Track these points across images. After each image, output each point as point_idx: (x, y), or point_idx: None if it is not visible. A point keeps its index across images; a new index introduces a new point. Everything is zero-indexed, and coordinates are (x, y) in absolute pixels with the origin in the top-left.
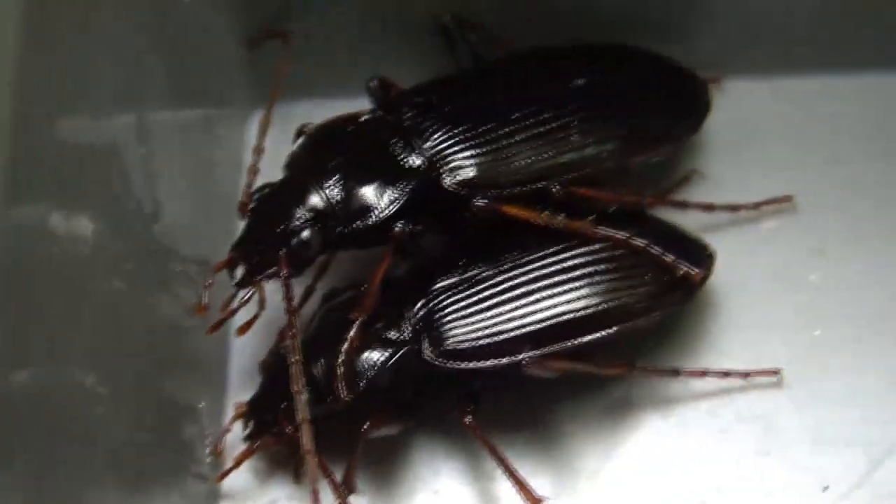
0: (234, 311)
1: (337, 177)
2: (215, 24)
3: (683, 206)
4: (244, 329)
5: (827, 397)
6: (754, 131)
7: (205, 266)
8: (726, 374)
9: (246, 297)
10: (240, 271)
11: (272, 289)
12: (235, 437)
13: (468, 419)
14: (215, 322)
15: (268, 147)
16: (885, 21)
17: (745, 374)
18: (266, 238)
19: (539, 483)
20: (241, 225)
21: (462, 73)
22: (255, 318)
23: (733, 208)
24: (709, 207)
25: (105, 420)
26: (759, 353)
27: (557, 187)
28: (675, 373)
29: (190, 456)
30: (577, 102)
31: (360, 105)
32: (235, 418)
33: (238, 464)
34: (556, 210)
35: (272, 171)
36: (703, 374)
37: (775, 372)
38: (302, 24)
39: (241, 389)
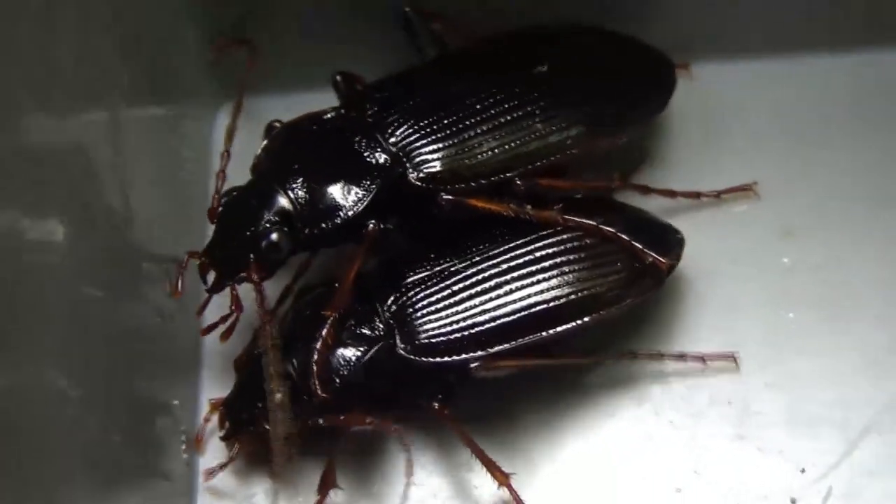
0: (225, 319)
1: (302, 177)
2: (180, 22)
3: (646, 191)
4: (226, 335)
5: (801, 379)
6: (719, 115)
7: (176, 265)
8: (682, 356)
9: (228, 308)
10: (211, 277)
11: (246, 286)
12: (211, 431)
13: (436, 405)
14: (205, 328)
15: (237, 142)
16: (849, 3)
17: (701, 358)
18: (234, 242)
19: (512, 470)
20: (210, 228)
21: (424, 65)
22: (234, 322)
23: (695, 195)
24: (671, 194)
25: (76, 421)
26: (733, 337)
27: (519, 182)
28: (632, 356)
29: (165, 455)
30: (540, 89)
31: (329, 98)
32: (211, 412)
33: (224, 466)
34: (523, 200)
35: (243, 166)
36: (661, 356)
37: (732, 356)
38: (267, 19)
39: (215, 387)
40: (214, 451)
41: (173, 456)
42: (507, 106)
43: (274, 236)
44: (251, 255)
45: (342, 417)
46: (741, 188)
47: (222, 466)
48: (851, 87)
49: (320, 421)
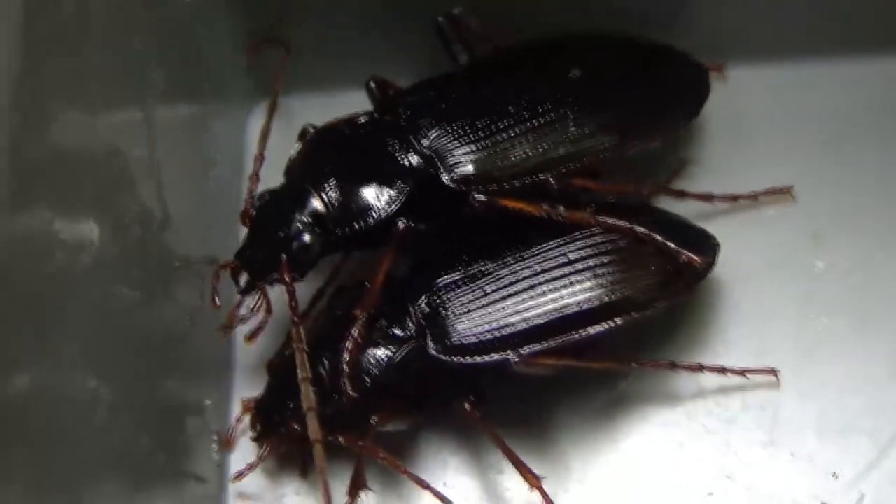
0: (246, 319)
1: (335, 179)
2: (215, 23)
3: (682, 195)
4: (252, 337)
5: (833, 385)
6: (753, 119)
7: (209, 266)
8: (723, 370)
9: (254, 306)
10: (243, 278)
11: (280, 289)
12: (242, 431)
13: (468, 406)
14: (225, 327)
15: (270, 143)
16: (883, 7)
17: (742, 372)
18: (267, 244)
19: (544, 474)
20: (244, 230)
21: (457, 70)
22: (263, 325)
23: (732, 198)
24: (707, 197)
25: (107, 423)
26: (764, 342)
27: (554, 181)
28: (672, 366)
29: (196, 456)
30: (573, 94)
31: (360, 99)
32: (244, 412)
33: (253, 467)
34: (556, 202)
35: (275, 169)
36: (700, 368)
37: (773, 371)
38: (302, 21)
39: (247, 387)
40: (245, 452)
41: (204, 457)
42: (539, 109)
43: (306, 238)
44: (283, 257)
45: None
46: (778, 190)
47: (251, 467)
48: (884, 91)
49: (340, 439)
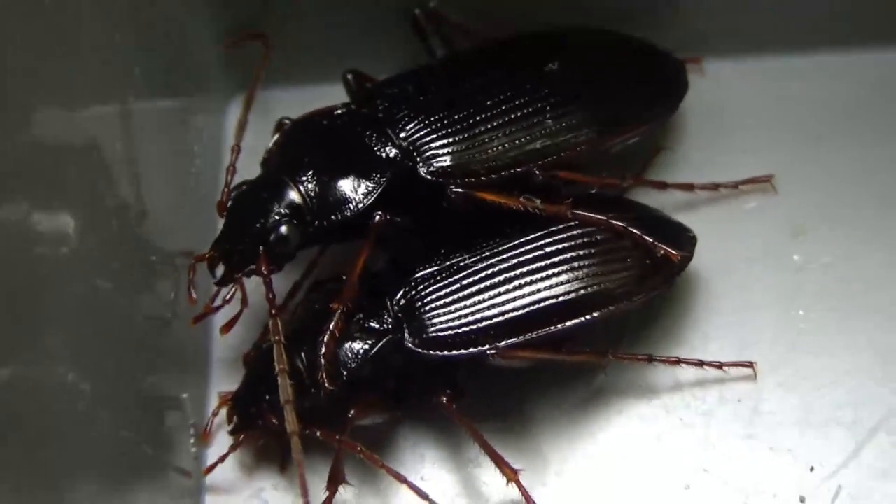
0: (218, 309)
1: (313, 171)
2: (194, 17)
3: (663, 186)
4: (227, 328)
5: (812, 379)
6: (732, 112)
7: (187, 258)
8: (701, 363)
9: (228, 296)
10: (220, 269)
11: (256, 282)
12: (219, 425)
13: (445, 400)
14: (197, 315)
15: (247, 137)
16: (864, 1)
17: (720, 365)
18: (244, 235)
19: (522, 468)
20: (221, 223)
21: (435, 64)
22: (238, 316)
23: (713, 187)
24: (688, 187)
25: (86, 416)
26: (743, 335)
27: (538, 172)
28: (649, 359)
29: (174, 449)
30: (550, 87)
31: (338, 92)
32: (220, 405)
33: (224, 458)
34: (533, 195)
35: (253, 162)
36: (678, 362)
37: (751, 364)
38: (280, 15)
39: (224, 380)
40: (223, 446)
41: (182, 450)
42: (516, 102)
43: (284, 229)
44: (261, 248)
45: (319, 434)
46: (759, 179)
47: (221, 458)
48: (863, 85)
49: (318, 433)
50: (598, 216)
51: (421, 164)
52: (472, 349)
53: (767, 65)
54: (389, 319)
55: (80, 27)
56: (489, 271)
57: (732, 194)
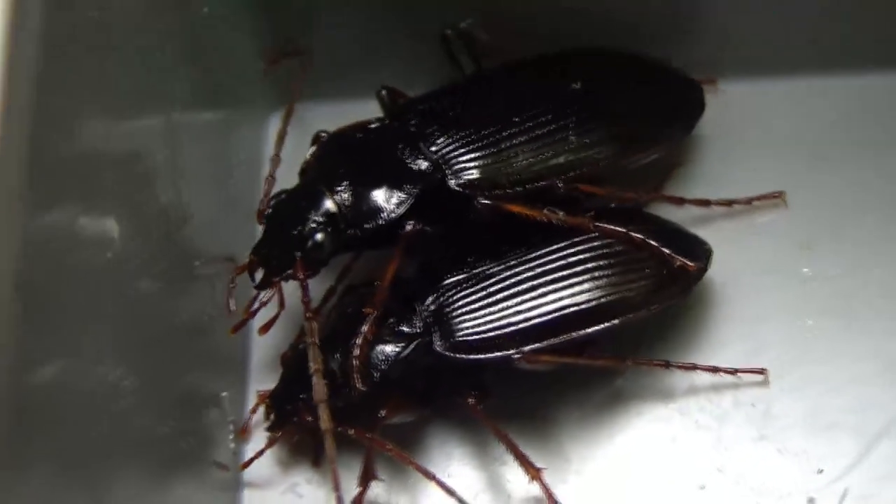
0: (255, 313)
1: (348, 181)
2: (237, 34)
3: (680, 202)
4: (265, 329)
5: (820, 383)
6: (745, 131)
7: (227, 264)
8: (715, 369)
9: (265, 299)
10: (259, 274)
11: (293, 286)
12: (257, 422)
13: (471, 401)
14: (237, 323)
15: (286, 148)
16: (876, 23)
17: (734, 371)
18: (282, 242)
19: (544, 466)
20: (260, 229)
21: (464, 82)
22: (276, 317)
23: (728, 203)
24: (704, 203)
25: (129, 412)
26: (755, 343)
27: (561, 184)
28: (666, 365)
29: (213, 445)
30: (574, 106)
31: (372, 107)
32: (259, 403)
33: (261, 453)
34: (562, 204)
35: (291, 172)
36: (693, 367)
37: (763, 370)
38: (318, 33)
39: (262, 379)
40: (261, 442)
41: (221, 446)
42: (542, 120)
43: (319, 236)
44: (297, 254)
45: (352, 432)
46: (771, 196)
47: (259, 454)
48: (870, 105)
49: (350, 431)
50: (619, 228)
51: (450, 177)
52: (498, 353)
53: (780, 86)
54: (419, 324)
55: (125, 41)
56: (515, 279)
57: (745, 209)
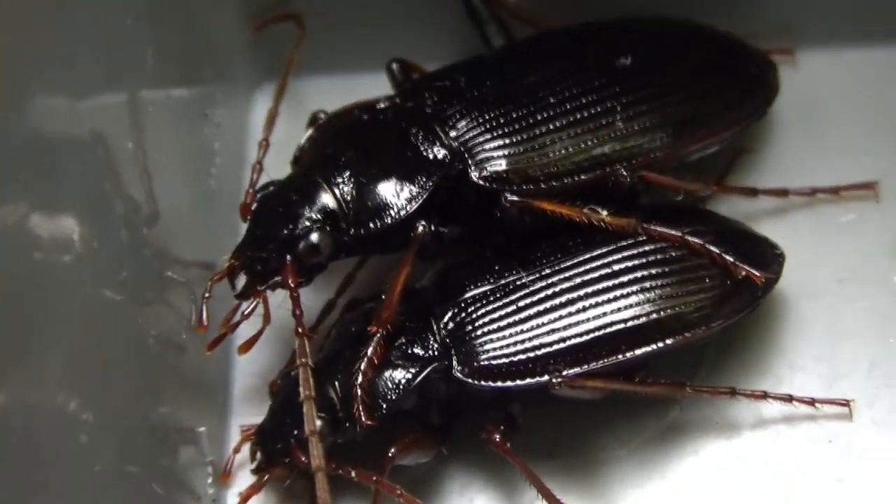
0: (235, 327)
1: (350, 172)
2: None
3: (753, 193)
4: (245, 347)
5: None
6: (827, 109)
7: (207, 271)
8: (790, 398)
9: (248, 311)
10: (241, 281)
11: (282, 299)
12: (241, 463)
13: (497, 437)
14: (213, 338)
15: (276, 130)
16: None
17: (811, 402)
18: (270, 242)
19: None
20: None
21: (492, 54)
22: (259, 333)
23: (810, 192)
24: (782, 193)
25: (89, 449)
26: (835, 365)
27: (625, 173)
28: (731, 393)
29: (188, 490)
30: (623, 84)
31: (379, 82)
32: (243, 441)
33: (245, 500)
34: (626, 195)
35: (282, 159)
36: (764, 396)
37: (846, 402)
38: None
39: (246, 412)
40: (243, 486)
41: (198, 490)
42: (584, 101)
43: (314, 237)
44: (287, 258)
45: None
46: (861, 185)
47: (242, 501)
48: None
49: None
50: (672, 231)
51: (472, 168)
52: (528, 380)
53: (868, 55)
54: (435, 345)
55: (82, 5)
56: (549, 291)
57: (828, 203)
